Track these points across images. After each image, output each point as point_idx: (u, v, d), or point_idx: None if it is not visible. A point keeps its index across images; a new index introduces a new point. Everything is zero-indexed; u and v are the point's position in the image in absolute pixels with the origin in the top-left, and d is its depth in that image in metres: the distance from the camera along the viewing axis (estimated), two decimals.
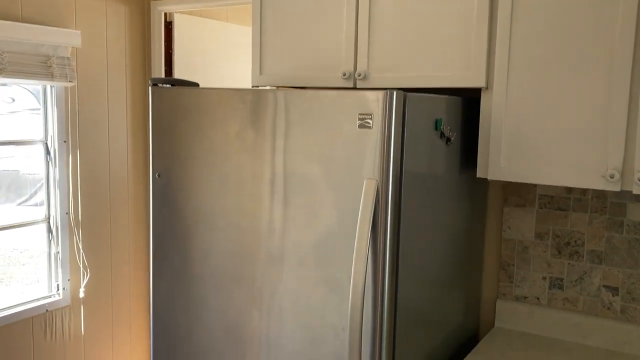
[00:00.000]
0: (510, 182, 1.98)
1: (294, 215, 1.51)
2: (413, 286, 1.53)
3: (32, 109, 2.47)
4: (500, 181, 2.00)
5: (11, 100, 2.49)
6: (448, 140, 1.64)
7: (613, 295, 1.85)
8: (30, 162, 2.47)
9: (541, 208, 1.94)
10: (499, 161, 1.68)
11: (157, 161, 1.75)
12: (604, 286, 1.86)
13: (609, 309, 1.86)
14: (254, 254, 1.58)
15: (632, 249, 1.81)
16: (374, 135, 1.39)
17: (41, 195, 2.50)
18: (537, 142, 1.63)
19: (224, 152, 1.61)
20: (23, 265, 2.47)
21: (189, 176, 1.68)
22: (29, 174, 2.49)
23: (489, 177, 1.70)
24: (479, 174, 1.73)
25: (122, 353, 2.79)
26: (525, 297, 1.99)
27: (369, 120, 1.38)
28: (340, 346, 1.46)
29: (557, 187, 1.91)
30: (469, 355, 1.77)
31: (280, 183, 1.53)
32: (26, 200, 2.50)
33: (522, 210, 1.97)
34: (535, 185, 1.94)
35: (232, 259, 1.62)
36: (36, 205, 2.49)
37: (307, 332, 1.51)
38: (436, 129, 1.57)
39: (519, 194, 1.97)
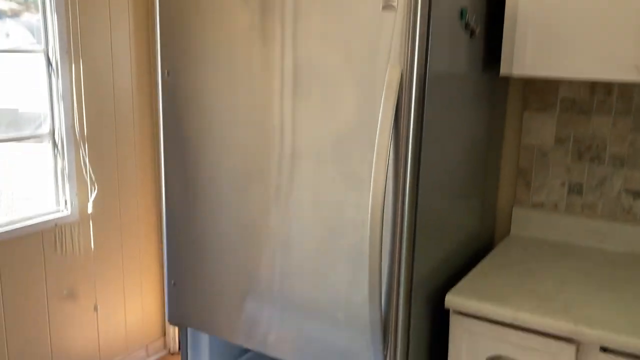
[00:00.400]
0: (531, 86, 1.91)
1: (311, 108, 1.45)
2: (433, 186, 1.49)
3: (27, 50, 2.37)
4: (521, 84, 1.94)
5: (6, 36, 2.38)
6: (472, 33, 1.56)
7: (634, 199, 1.82)
8: (29, 99, 2.39)
9: (562, 112, 1.88)
10: (525, 55, 1.61)
11: (166, 59, 1.67)
12: (625, 190, 1.83)
13: (628, 212, 1.84)
14: (270, 151, 1.53)
15: None
16: (399, 18, 1.31)
17: (43, 130, 2.43)
18: (567, 34, 1.55)
19: (236, 44, 1.53)
20: (28, 181, 2.43)
21: (199, 73, 1.61)
22: (28, 112, 2.41)
23: (514, 73, 1.63)
24: (503, 70, 1.66)
25: (132, 267, 2.79)
26: (543, 204, 1.96)
27: (394, 0, 1.30)
28: (360, 240, 1.43)
29: (579, 89, 1.84)
30: (484, 259, 1.76)
31: (293, 74, 1.46)
32: (28, 138, 2.43)
33: (542, 114, 1.92)
34: (557, 88, 1.88)
35: (248, 156, 1.57)
36: (38, 142, 2.43)
37: (326, 227, 1.48)
38: (461, 18, 1.50)
39: (540, 97, 1.91)
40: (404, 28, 1.31)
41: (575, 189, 1.90)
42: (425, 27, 1.33)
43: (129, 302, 2.80)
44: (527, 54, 1.61)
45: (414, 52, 1.33)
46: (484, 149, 1.84)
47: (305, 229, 1.52)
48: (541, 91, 1.90)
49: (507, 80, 1.94)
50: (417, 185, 1.40)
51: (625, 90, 1.78)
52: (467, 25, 1.53)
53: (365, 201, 1.42)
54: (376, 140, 1.35)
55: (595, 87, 1.82)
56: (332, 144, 1.44)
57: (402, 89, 1.34)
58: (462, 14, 1.49)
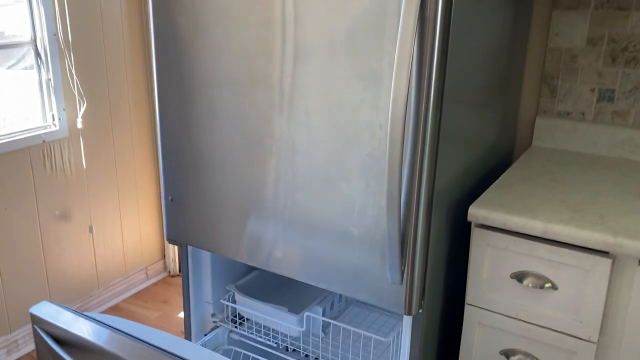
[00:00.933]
0: None
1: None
2: (458, 88, 1.33)
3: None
4: None
5: None
6: None
7: None
8: (14, 23, 2.17)
9: (597, 9, 1.70)
10: None
11: None
12: None
13: None
14: (274, 48, 1.36)
15: None
16: None
17: (30, 60, 2.22)
18: None
19: None
20: (15, 98, 2.26)
21: None
22: (13, 35, 2.19)
23: None
24: None
25: (127, 185, 2.67)
26: (569, 113, 1.81)
27: None
28: (378, 146, 1.29)
29: None
30: (507, 171, 1.62)
31: None
32: (15, 64, 2.22)
33: (574, 12, 1.73)
34: None
35: (250, 55, 1.40)
36: (26, 69, 2.23)
37: (337, 133, 1.33)
38: None
39: None
40: None
41: (607, 96, 1.75)
42: None
43: (126, 222, 2.70)
44: None
45: None
46: (507, 53, 1.67)
47: (315, 138, 1.37)
48: None
49: None
50: (444, 85, 1.24)
51: None
52: None
53: (384, 102, 1.26)
54: (399, 30, 1.18)
55: None
56: (345, 34, 1.27)
57: None
58: None
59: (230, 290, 1.79)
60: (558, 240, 1.28)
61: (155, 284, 2.86)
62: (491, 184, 1.65)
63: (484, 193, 1.45)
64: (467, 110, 1.42)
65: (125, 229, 2.69)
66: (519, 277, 1.36)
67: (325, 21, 1.28)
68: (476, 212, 1.36)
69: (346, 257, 1.40)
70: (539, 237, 1.31)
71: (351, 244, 1.38)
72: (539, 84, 1.84)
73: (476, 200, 1.40)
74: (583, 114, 1.79)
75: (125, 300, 2.71)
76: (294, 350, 1.76)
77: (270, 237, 1.50)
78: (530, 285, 1.34)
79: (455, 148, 1.40)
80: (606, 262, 1.24)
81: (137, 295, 2.76)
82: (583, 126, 1.78)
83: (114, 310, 2.63)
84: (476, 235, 1.39)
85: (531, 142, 1.89)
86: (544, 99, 1.84)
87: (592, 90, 1.76)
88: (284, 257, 1.49)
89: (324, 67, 1.31)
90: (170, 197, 1.63)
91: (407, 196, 1.29)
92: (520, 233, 1.33)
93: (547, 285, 1.32)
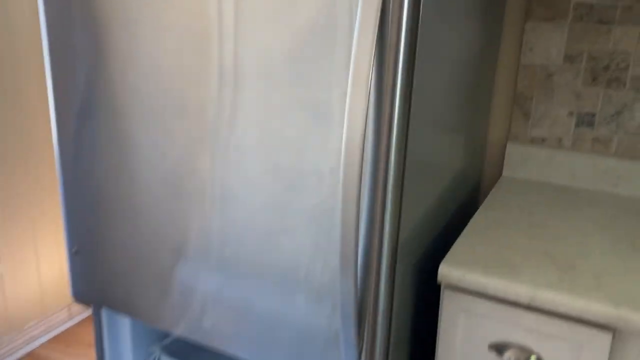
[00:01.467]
0: None
1: (259, 4, 1.00)
2: (425, 118, 1.08)
3: None
4: None
5: None
6: None
7: None
8: None
9: (576, 21, 1.49)
10: None
11: None
12: None
13: None
14: (201, 70, 1.08)
15: None
16: None
17: None
18: None
19: None
20: None
21: None
22: None
23: None
24: None
25: (43, 216, 2.32)
26: (544, 139, 1.60)
27: None
28: (328, 193, 1.03)
29: None
30: (478, 211, 1.39)
31: None
32: None
33: (550, 25, 1.51)
34: None
35: (170, 78, 1.12)
36: None
37: (278, 177, 1.06)
38: None
39: (548, 2, 1.50)
40: None
41: (586, 120, 1.54)
42: None
43: (43, 256, 2.35)
44: None
45: None
46: (476, 70, 1.43)
47: (248, 179, 1.10)
48: None
49: None
50: (409, 118, 0.99)
51: None
52: None
53: (335, 142, 1.00)
54: (352, 47, 0.92)
55: None
56: (289, 56, 1.00)
57: None
58: None
59: (154, 353, 1.50)
60: (547, 309, 1.05)
61: (79, 324, 2.52)
62: (461, 225, 1.42)
63: (455, 244, 1.21)
64: (433, 140, 1.17)
65: (43, 263, 2.35)
66: (499, 348, 1.12)
67: (262, 37, 1.01)
68: (448, 272, 1.12)
69: (289, 329, 1.13)
70: (525, 305, 1.08)
71: (295, 314, 1.12)
72: (510, 105, 1.62)
73: (447, 256, 1.16)
74: (560, 140, 1.58)
75: (43, 346, 2.36)
76: None
77: (197, 301, 1.22)
78: (511, 358, 1.11)
79: (421, 188, 1.15)
80: (605, 337, 1.02)
81: (57, 338, 2.42)
82: (560, 154, 1.57)
83: (31, 358, 2.29)
84: (448, 300, 1.14)
85: (501, 172, 1.67)
86: (516, 122, 1.62)
87: (570, 113, 1.55)
88: (213, 326, 1.21)
89: (263, 97, 1.04)
90: (74, 249, 1.33)
91: (365, 256, 1.04)
92: (502, 298, 1.09)
93: (532, 358, 1.09)
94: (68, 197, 1.31)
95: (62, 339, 2.41)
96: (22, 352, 2.30)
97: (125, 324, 1.46)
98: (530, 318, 1.07)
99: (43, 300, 2.38)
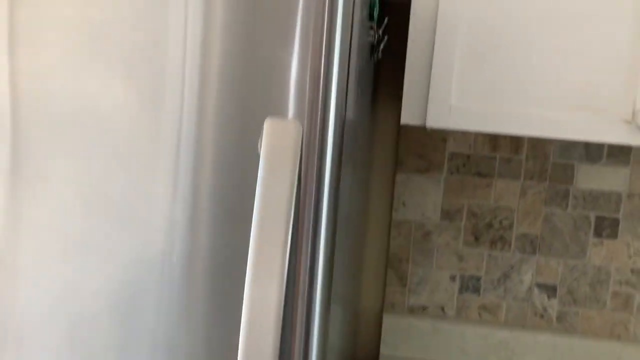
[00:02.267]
0: (408, 135, 1.29)
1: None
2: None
3: None
4: (392, 133, 1.30)
5: None
6: (375, 47, 0.86)
7: (549, 298, 1.30)
8: None
9: (452, 173, 1.30)
10: (448, 99, 0.96)
11: None
12: (537, 285, 1.30)
13: (542, 316, 1.31)
14: None
15: (578, 231, 1.28)
16: None
17: None
18: (518, 69, 0.95)
19: None
20: None
21: None
22: None
23: (429, 125, 0.97)
24: (404, 119, 0.99)
25: None
26: (425, 308, 1.34)
27: None
28: None
29: (475, 143, 1.28)
30: None
31: None
32: None
33: (424, 177, 1.30)
34: (444, 140, 1.28)
35: None
36: None
37: None
38: (370, 18, 0.78)
39: (420, 152, 1.29)
40: None
41: (471, 285, 1.32)
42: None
43: None
44: (453, 97, 0.97)
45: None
46: (353, 230, 1.14)
47: None
48: (421, 144, 1.29)
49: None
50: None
51: (538, 144, 1.26)
52: (373, 31, 0.82)
53: None
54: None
55: (498, 140, 1.28)
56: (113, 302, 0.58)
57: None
58: (371, 6, 0.78)
59: None
60: None
61: None
62: None
63: None
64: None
65: None
66: None
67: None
68: None
69: None
70: None
71: None
72: (383, 269, 1.35)
73: None
74: (443, 308, 1.33)
75: None
76: None
77: None
78: None
79: None
80: None
81: None
82: (444, 326, 1.32)
83: None
84: None
85: (378, 351, 1.36)
86: (392, 288, 1.35)
87: (453, 277, 1.32)
88: None
89: None
90: None
91: None
92: None
93: None
94: None
95: None
96: None
97: None
98: None
99: None
